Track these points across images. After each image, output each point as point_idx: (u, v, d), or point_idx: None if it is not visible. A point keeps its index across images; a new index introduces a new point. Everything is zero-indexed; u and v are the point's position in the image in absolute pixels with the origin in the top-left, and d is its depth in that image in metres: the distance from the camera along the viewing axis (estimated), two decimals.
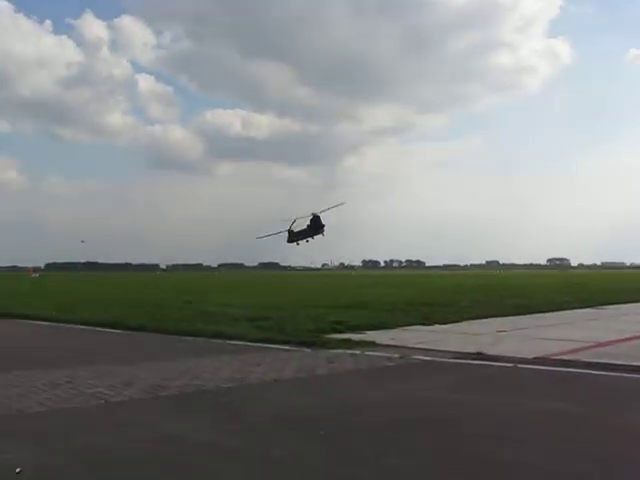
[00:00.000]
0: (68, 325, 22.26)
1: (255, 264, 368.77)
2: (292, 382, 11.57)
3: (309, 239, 60.33)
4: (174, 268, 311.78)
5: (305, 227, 60.94)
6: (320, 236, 60.61)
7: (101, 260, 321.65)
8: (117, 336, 19.56)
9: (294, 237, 62.35)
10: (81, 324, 22.16)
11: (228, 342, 17.50)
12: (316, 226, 61.32)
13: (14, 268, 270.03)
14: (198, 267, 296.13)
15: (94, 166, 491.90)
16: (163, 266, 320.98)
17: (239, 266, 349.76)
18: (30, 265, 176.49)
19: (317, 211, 60.57)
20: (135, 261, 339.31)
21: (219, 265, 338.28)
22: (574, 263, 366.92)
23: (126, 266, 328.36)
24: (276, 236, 62.99)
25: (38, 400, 9.93)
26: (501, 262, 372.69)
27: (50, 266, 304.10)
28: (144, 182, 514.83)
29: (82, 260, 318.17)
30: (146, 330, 20.25)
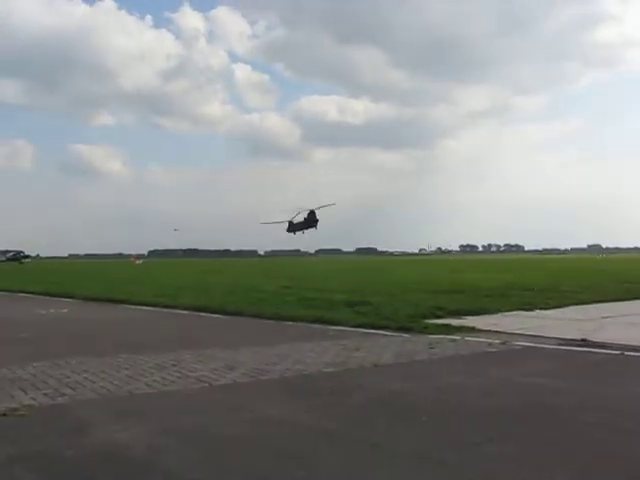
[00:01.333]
0: (171, 310, 22.94)
1: (352, 249, 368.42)
2: (392, 367, 11.55)
3: (304, 231, 66.76)
4: (273, 254, 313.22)
5: (302, 220, 67.09)
6: (313, 229, 66.44)
7: (201, 247, 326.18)
8: (217, 321, 20.00)
9: (292, 227, 68.36)
10: (183, 309, 22.80)
11: (328, 327, 17.60)
12: (311, 220, 66.98)
13: (119, 255, 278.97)
14: (296, 253, 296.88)
15: (194, 155, 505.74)
16: (261, 252, 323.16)
17: (336, 252, 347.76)
18: (134, 253, 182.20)
19: (314, 207, 66.74)
20: (234, 247, 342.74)
21: (316, 251, 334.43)
22: None
23: (225, 252, 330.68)
24: (281, 224, 67.69)
25: (146, 382, 10.28)
26: (604, 246, 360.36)
27: (152, 253, 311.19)
28: (242, 169, 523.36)
29: (183, 247, 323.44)
30: (245, 315, 20.65)
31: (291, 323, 18.71)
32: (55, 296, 29.99)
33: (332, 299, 23.67)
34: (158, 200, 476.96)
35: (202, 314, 21.54)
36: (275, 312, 20.19)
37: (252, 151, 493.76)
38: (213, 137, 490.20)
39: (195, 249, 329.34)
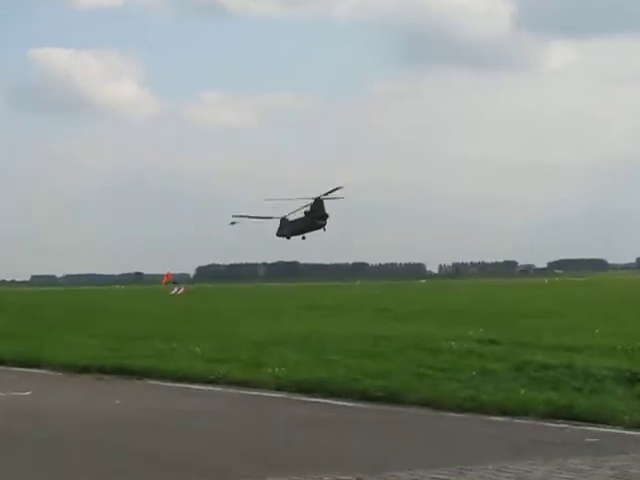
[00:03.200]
0: (249, 391, 14.34)
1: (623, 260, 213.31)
2: None
3: (305, 235, 45.07)
4: (456, 270, 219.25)
5: (302, 215, 44.89)
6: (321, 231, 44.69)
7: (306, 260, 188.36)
8: (351, 415, 11.80)
9: (285, 229, 46.14)
10: (275, 389, 14.25)
11: (580, 428, 9.85)
12: (316, 216, 44.15)
13: (136, 278, 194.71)
14: (494, 268, 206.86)
15: (285, 68, 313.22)
16: (434, 269, 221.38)
17: (592, 264, 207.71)
18: (167, 271, 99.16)
19: (320, 194, 43.93)
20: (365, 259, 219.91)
21: (549, 264, 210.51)
22: None
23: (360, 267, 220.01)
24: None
25: None
26: None
27: (204, 271, 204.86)
28: (388, 90, 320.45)
29: (269, 260, 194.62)
30: (405, 402, 12.30)
31: (500, 419, 10.56)
32: (7, 364, 19.36)
33: (587, 368, 13.80)
34: (209, 162, 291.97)
35: (310, 399, 13.19)
36: (470, 396, 11.90)
37: (407, 53, 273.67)
38: (321, 27, 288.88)
39: (294, 262, 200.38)
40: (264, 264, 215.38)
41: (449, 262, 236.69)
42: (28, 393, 14.59)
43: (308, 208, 44.22)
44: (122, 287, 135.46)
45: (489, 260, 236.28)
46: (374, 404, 12.61)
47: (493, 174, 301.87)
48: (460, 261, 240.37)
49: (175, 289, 73.27)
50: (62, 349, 19.84)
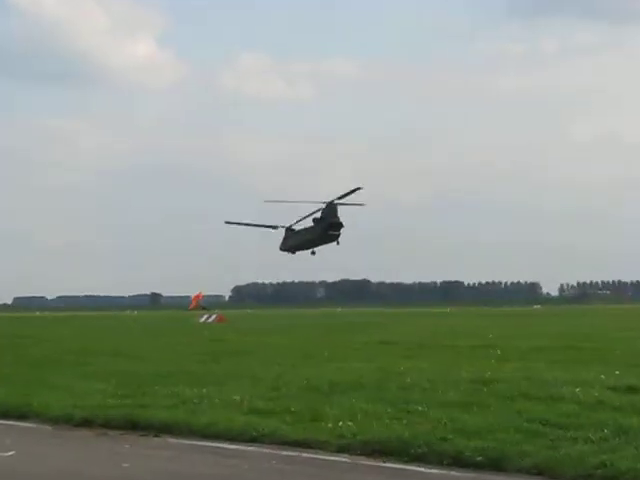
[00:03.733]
0: (308, 453, 11.09)
1: None
2: None
3: (315, 249, 38.21)
4: (582, 292, 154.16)
5: (312, 224, 37.72)
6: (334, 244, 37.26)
7: (380, 277, 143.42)
8: None
9: (289, 241, 39.41)
10: (338, 451, 10.89)
11: None
12: (327, 224, 36.30)
13: (151, 302, 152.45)
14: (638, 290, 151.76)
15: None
16: (553, 290, 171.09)
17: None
18: (193, 294, 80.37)
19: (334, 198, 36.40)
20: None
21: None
22: None
23: (452, 288, 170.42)
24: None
25: None
26: None
27: (243, 292, 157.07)
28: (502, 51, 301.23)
29: (331, 278, 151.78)
30: (510, 469, 9.49)
31: None
32: None
33: None
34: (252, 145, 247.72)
35: (389, 466, 10.12)
36: (602, 462, 9.13)
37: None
38: None
39: (364, 280, 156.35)
40: (323, 283, 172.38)
41: (572, 281, 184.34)
42: (11, 454, 11.63)
43: (318, 215, 37.06)
44: (134, 313, 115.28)
45: (627, 279, 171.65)
46: (470, 471, 9.75)
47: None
48: (588, 280, 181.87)
49: (205, 316, 62.90)
50: (55, 395, 16.07)
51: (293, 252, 40.01)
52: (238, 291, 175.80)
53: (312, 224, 37.83)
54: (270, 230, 40.49)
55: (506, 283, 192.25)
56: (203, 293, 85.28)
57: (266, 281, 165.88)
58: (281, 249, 40.57)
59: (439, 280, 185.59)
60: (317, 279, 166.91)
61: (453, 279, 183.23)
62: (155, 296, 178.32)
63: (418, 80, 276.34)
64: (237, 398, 14.88)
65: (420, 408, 13.13)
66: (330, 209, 36.51)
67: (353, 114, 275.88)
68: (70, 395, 16.11)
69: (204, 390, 16.00)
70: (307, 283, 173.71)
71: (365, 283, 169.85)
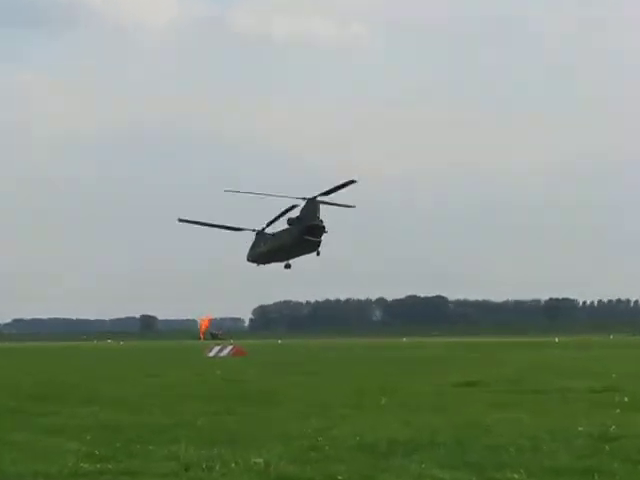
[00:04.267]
0: None
1: None
2: None
3: (290, 261, 31.26)
4: None
5: (286, 226, 30.89)
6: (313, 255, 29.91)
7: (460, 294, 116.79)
8: None
9: (257, 249, 32.11)
10: None
11: None
12: (305, 227, 29.34)
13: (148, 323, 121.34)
14: None
15: None
16: None
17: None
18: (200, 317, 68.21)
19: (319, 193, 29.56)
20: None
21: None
22: None
23: (559, 308, 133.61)
24: None
25: None
26: None
27: (268, 316, 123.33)
28: None
29: (390, 295, 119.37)
30: None
31: None
32: None
33: None
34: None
35: None
36: None
37: None
38: None
39: (438, 297, 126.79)
40: (381, 302, 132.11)
41: None
42: None
43: (295, 214, 29.98)
44: (120, 343, 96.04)
45: None
46: None
47: None
48: None
49: (217, 348, 49.88)
50: (9, 457, 12.17)
51: (258, 264, 32.97)
52: (262, 313, 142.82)
53: (286, 226, 30.97)
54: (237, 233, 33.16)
55: (637, 302, 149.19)
56: (212, 316, 76.81)
57: (301, 299, 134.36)
58: (248, 260, 33.49)
59: (543, 298, 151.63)
60: (373, 296, 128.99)
61: (561, 296, 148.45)
62: (147, 319, 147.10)
63: None
64: (260, 461, 11.30)
65: (517, 476, 9.93)
66: (310, 207, 29.47)
67: None
68: (31, 457, 12.12)
69: (215, 450, 12.30)
70: (358, 301, 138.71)
71: (439, 301, 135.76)
